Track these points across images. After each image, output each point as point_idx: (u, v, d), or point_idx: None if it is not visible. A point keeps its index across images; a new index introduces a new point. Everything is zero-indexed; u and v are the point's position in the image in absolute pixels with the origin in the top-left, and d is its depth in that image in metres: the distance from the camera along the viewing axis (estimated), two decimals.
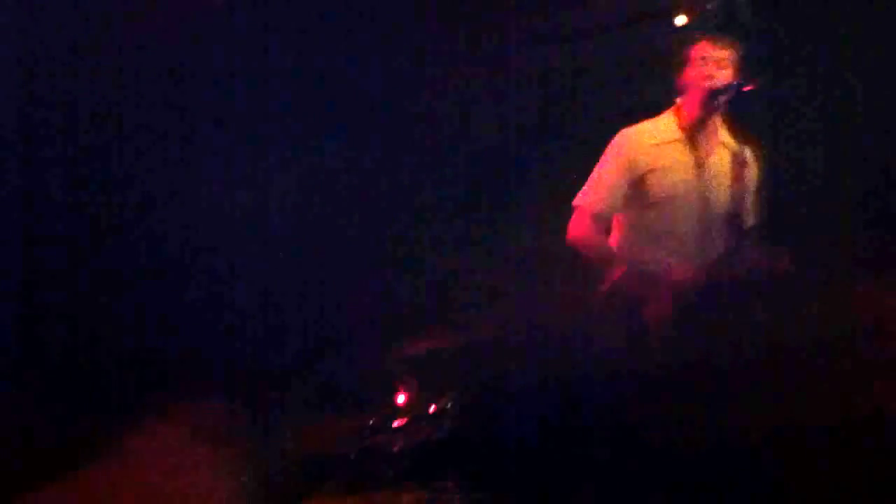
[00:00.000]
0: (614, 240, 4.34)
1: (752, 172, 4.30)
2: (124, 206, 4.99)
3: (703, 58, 4.20)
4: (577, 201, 4.32)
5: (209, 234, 5.00)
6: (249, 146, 5.12)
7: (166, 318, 4.87)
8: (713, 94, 4.16)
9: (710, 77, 4.17)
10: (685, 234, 4.24)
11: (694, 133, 4.26)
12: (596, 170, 4.30)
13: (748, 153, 4.31)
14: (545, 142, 5.31)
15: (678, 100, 4.28)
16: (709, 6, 4.73)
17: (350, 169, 5.33)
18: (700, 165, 4.26)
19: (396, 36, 5.25)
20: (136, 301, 4.89)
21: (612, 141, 4.30)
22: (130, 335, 4.81)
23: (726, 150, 4.28)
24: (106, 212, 4.96)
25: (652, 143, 4.24)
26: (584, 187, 4.31)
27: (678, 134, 4.26)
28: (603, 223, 4.30)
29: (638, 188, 4.23)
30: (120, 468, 4.05)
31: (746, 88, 4.15)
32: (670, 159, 4.23)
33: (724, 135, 4.29)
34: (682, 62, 4.23)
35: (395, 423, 4.20)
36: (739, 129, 4.30)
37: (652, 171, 4.22)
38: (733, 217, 4.23)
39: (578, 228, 4.30)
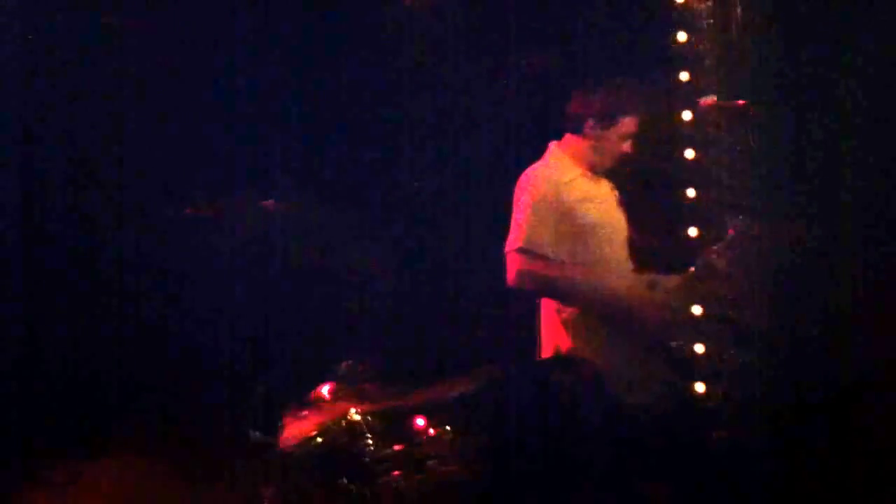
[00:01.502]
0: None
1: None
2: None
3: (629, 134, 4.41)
4: (510, 246, 4.31)
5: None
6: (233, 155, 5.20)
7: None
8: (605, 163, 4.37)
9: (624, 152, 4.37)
10: (614, 262, 4.36)
11: (586, 167, 4.42)
12: (516, 213, 4.33)
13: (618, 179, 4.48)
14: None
15: (563, 136, 4.41)
16: None
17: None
18: (609, 195, 4.44)
19: None
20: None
21: (523, 183, 4.35)
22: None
23: (609, 180, 4.46)
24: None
25: (563, 181, 4.34)
26: (513, 231, 4.32)
27: (577, 170, 4.39)
28: (542, 259, 4.28)
29: (565, 222, 4.30)
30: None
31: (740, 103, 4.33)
32: (586, 193, 4.36)
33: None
34: (608, 125, 4.38)
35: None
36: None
37: (577, 203, 4.32)
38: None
39: (518, 266, 4.28)
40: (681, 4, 4.48)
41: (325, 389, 4.43)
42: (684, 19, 4.49)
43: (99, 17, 5.08)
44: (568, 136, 4.42)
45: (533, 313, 4.61)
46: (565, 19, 5.12)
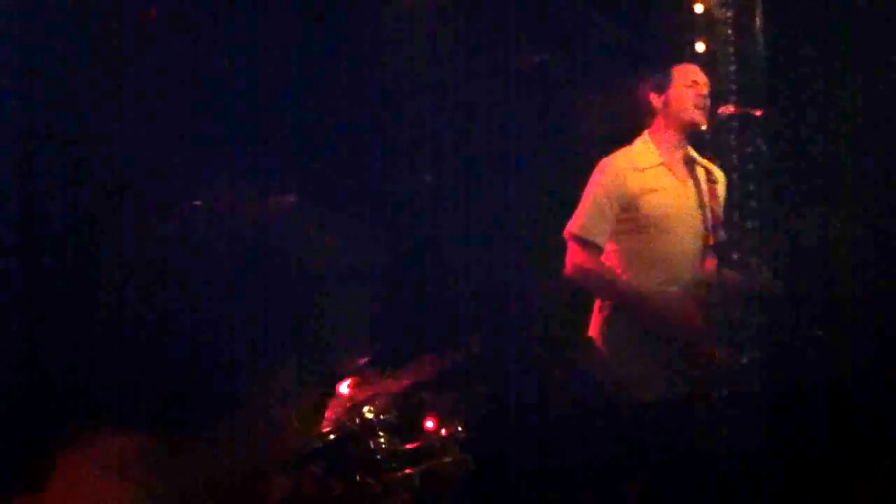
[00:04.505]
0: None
1: (723, 188, 4.43)
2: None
3: (694, 81, 4.31)
4: (568, 230, 4.31)
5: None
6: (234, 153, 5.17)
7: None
8: (699, 113, 4.28)
9: (699, 97, 4.29)
10: (682, 255, 4.29)
11: (672, 155, 4.35)
12: (583, 199, 4.33)
13: (717, 170, 4.44)
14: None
15: (652, 124, 4.37)
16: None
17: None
18: (683, 185, 4.34)
19: None
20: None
21: (597, 169, 4.34)
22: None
23: (702, 169, 4.38)
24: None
25: (637, 167, 4.30)
26: (574, 217, 4.32)
27: (659, 158, 4.33)
28: (597, 251, 4.29)
29: (630, 212, 4.26)
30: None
31: (757, 114, 4.32)
32: (657, 183, 4.28)
33: (694, 154, 4.41)
34: (664, 83, 4.33)
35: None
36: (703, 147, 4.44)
37: (643, 192, 4.26)
38: (715, 234, 4.33)
39: (576, 258, 4.29)
40: (700, 14, 4.53)
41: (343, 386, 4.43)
42: (703, 27, 4.53)
43: (99, 18, 5.05)
44: (657, 119, 4.37)
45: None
46: (577, 25, 5.19)
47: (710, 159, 4.47)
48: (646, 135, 4.39)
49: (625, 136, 4.44)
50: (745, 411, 4.18)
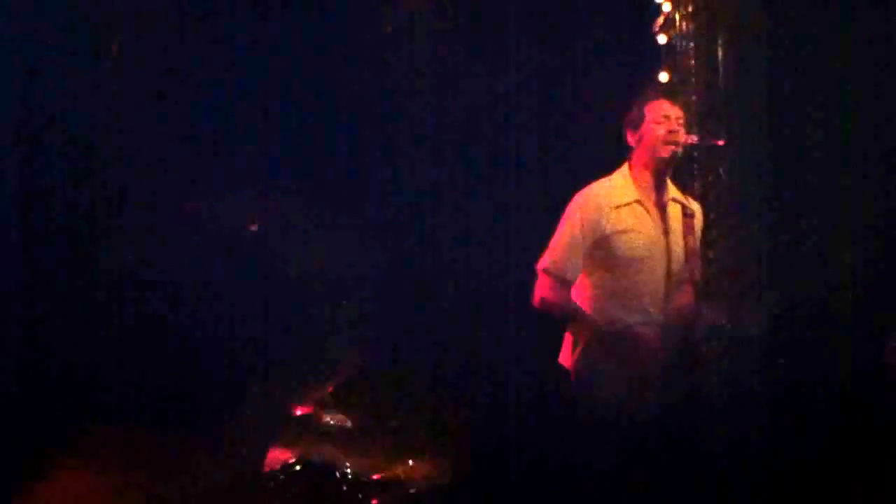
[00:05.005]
0: (580, 303, 4.33)
1: (699, 224, 4.41)
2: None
3: (665, 116, 4.29)
4: (541, 264, 4.30)
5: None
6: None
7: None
8: (671, 149, 4.26)
9: (670, 133, 4.26)
10: (651, 293, 4.28)
11: (649, 191, 4.32)
12: (557, 232, 4.31)
13: (694, 205, 4.43)
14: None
15: (631, 158, 4.35)
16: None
17: None
18: (659, 223, 4.31)
19: None
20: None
21: (571, 203, 4.31)
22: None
23: (677, 205, 4.36)
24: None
25: (612, 205, 4.28)
26: (547, 251, 4.30)
27: (636, 195, 4.31)
28: (568, 285, 4.28)
29: (602, 250, 4.25)
30: None
31: (720, 143, 4.37)
32: (631, 223, 4.26)
33: (672, 189, 4.39)
34: (638, 119, 4.31)
35: None
36: (680, 182, 4.42)
37: (616, 233, 4.24)
38: (690, 270, 4.31)
39: (544, 292, 4.28)
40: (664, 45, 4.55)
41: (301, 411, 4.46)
42: (667, 58, 4.55)
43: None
44: (634, 155, 4.37)
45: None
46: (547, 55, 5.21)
47: (687, 191, 4.48)
48: (625, 168, 4.40)
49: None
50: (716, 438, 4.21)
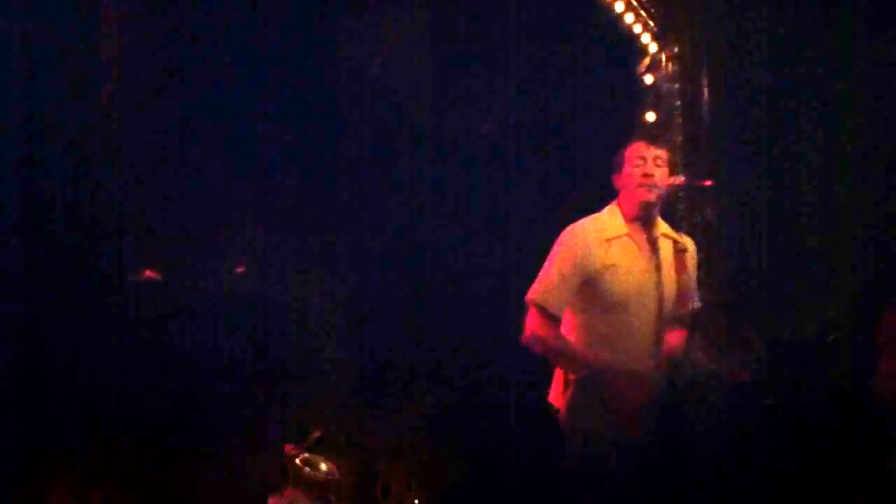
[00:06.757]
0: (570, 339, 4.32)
1: (692, 260, 4.38)
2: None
3: (642, 158, 4.27)
4: (530, 297, 4.27)
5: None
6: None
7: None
8: (647, 191, 4.22)
9: (645, 176, 4.24)
10: (641, 331, 4.24)
11: (638, 227, 4.29)
12: (548, 266, 4.28)
13: (686, 240, 4.40)
14: None
15: (617, 199, 4.33)
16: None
17: None
18: (649, 259, 4.28)
19: None
20: None
21: (561, 237, 4.29)
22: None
23: (668, 241, 4.34)
24: None
25: (601, 238, 4.26)
26: (536, 283, 4.28)
27: (625, 228, 4.28)
28: (555, 321, 4.25)
29: (592, 286, 4.22)
30: None
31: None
32: (620, 258, 4.24)
33: (662, 225, 4.36)
34: (620, 163, 4.31)
35: None
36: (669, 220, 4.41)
37: (605, 267, 4.22)
38: (681, 307, 4.28)
39: (534, 326, 4.25)
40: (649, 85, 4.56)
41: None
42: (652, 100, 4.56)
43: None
44: (620, 196, 4.35)
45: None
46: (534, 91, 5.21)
47: (678, 229, 4.47)
48: (613, 205, 4.39)
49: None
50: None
